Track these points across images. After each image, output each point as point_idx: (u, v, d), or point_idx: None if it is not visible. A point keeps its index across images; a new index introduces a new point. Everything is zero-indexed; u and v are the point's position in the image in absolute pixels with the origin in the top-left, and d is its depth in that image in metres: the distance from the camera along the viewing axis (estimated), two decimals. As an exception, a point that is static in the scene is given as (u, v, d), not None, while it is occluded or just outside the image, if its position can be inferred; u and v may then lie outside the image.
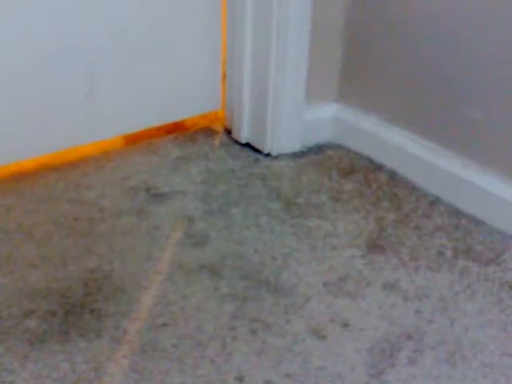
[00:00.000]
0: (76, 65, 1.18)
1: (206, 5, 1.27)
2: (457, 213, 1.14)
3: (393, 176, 1.22)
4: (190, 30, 1.28)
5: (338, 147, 1.32)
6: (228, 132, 1.36)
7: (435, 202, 1.17)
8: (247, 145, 1.33)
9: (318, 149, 1.32)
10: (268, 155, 1.30)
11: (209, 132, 1.37)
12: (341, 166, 1.26)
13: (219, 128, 1.38)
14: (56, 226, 1.08)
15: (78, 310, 0.93)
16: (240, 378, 0.84)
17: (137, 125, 1.30)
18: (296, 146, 1.31)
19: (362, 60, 1.27)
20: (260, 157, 1.29)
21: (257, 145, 1.31)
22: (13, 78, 1.12)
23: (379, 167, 1.25)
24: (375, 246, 1.06)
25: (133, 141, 1.32)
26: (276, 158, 1.29)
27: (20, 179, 1.19)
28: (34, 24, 1.12)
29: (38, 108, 1.16)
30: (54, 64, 1.15)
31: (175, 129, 1.37)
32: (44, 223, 1.09)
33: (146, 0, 1.21)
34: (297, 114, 1.28)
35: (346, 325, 0.92)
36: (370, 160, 1.27)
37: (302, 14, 1.20)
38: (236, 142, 1.34)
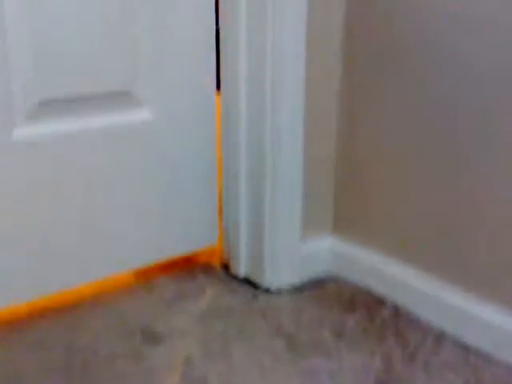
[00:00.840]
0: (72, 202, 1.18)
1: (202, 142, 1.31)
2: (464, 347, 1.10)
3: (396, 310, 1.20)
4: (187, 168, 1.30)
5: (337, 280, 1.30)
6: (226, 267, 1.35)
7: (441, 336, 1.13)
8: (245, 280, 1.31)
9: (318, 282, 1.30)
10: (267, 290, 1.27)
11: (206, 267, 1.36)
12: (342, 301, 1.23)
13: (217, 263, 1.37)
14: (48, 373, 1.03)
15: None
16: None
17: (133, 262, 1.28)
18: (295, 280, 1.29)
19: (355, 191, 1.28)
20: (259, 292, 1.27)
21: (255, 280, 1.29)
22: (4, 224, 1.11)
23: (381, 301, 1.23)
24: (384, 386, 1.01)
25: (129, 279, 1.30)
26: (275, 292, 1.27)
27: (12, 324, 1.14)
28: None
29: (30, 250, 1.15)
30: (45, 206, 1.16)
31: (172, 265, 1.36)
32: (35, 370, 1.03)
33: (144, 137, 1.24)
34: (294, 247, 1.28)
35: None
36: (370, 293, 1.25)
37: (295, 150, 1.23)
38: (234, 277, 1.32)
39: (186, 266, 1.36)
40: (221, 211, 1.35)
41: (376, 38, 1.18)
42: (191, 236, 1.34)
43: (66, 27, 1.09)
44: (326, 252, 1.33)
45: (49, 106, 1.11)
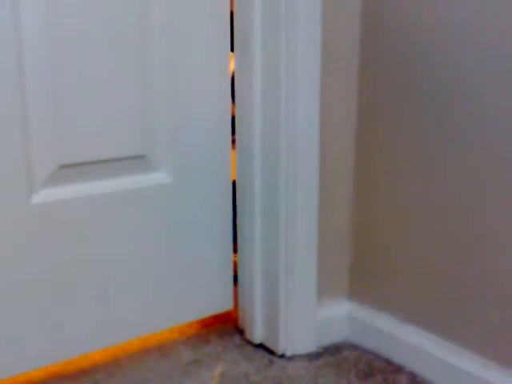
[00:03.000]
0: (90, 267, 1.19)
1: (217, 205, 1.32)
2: (484, 417, 1.08)
3: (413, 378, 1.18)
4: (202, 233, 1.31)
5: (354, 347, 1.29)
6: (241, 332, 1.34)
7: (460, 405, 1.11)
8: (261, 345, 1.30)
9: (334, 349, 1.29)
10: (282, 356, 1.26)
11: (221, 332, 1.35)
12: (359, 368, 1.22)
13: (232, 328, 1.36)
14: None
15: None
16: None
17: (148, 328, 1.28)
18: (311, 347, 1.28)
19: (371, 256, 1.28)
20: (274, 358, 1.26)
21: (270, 345, 1.29)
22: (20, 289, 1.12)
23: (399, 368, 1.21)
24: None
25: (144, 344, 1.30)
26: (291, 359, 1.26)
27: (27, 390, 1.15)
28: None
29: (46, 316, 1.15)
30: (63, 271, 1.16)
31: (187, 330, 1.36)
32: None
33: (161, 200, 1.25)
34: (309, 313, 1.27)
35: None
36: (388, 361, 1.23)
37: (310, 214, 1.24)
38: (249, 342, 1.31)
39: (202, 331, 1.36)
40: (236, 276, 1.35)
41: (391, 104, 1.20)
42: (206, 301, 1.34)
43: (84, 93, 1.12)
44: (342, 318, 1.32)
45: (67, 171, 1.14)
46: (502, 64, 1.02)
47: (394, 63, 1.18)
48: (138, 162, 1.22)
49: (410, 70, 1.15)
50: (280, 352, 1.27)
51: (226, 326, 1.37)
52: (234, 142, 1.31)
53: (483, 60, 1.04)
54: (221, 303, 1.37)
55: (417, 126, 1.16)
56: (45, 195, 1.12)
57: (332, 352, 1.28)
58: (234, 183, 1.33)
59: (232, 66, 1.29)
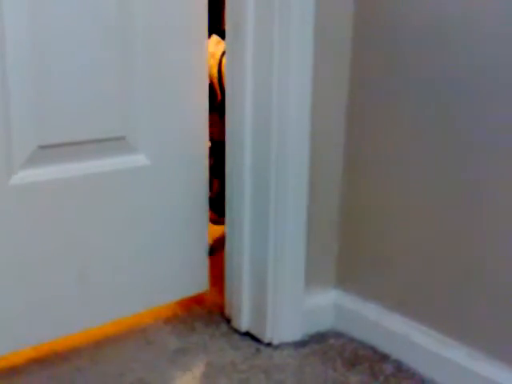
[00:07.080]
0: (66, 254, 1.18)
1: (194, 188, 1.32)
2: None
3: (399, 367, 1.18)
4: (177, 214, 1.31)
5: (340, 335, 1.29)
6: (228, 320, 1.33)
7: (444, 394, 1.11)
8: (247, 334, 1.29)
9: (320, 337, 1.28)
10: (269, 344, 1.26)
11: (208, 321, 1.34)
12: (345, 356, 1.22)
13: (218, 316, 1.36)
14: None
15: None
16: None
17: (126, 310, 1.28)
18: (297, 335, 1.28)
19: (359, 245, 1.28)
20: (261, 346, 1.25)
21: (257, 334, 1.28)
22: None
23: (384, 357, 1.21)
24: None
25: (128, 333, 1.29)
26: (277, 347, 1.25)
27: (7, 377, 1.13)
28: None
29: (23, 298, 1.14)
30: (42, 252, 1.15)
31: (173, 318, 1.35)
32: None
33: (138, 182, 1.25)
34: (296, 301, 1.27)
35: None
36: (374, 349, 1.23)
37: (299, 203, 1.23)
38: (236, 330, 1.30)
39: (188, 319, 1.35)
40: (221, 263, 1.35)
41: (382, 89, 1.20)
42: (182, 283, 1.35)
43: (64, 76, 1.11)
44: (328, 306, 1.31)
45: (47, 152, 1.13)
46: (499, 51, 1.01)
47: (387, 48, 1.17)
48: (117, 143, 1.21)
49: (403, 55, 1.14)
50: (267, 340, 1.27)
51: (212, 315, 1.37)
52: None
53: (478, 46, 1.03)
54: (196, 285, 1.37)
55: (407, 114, 1.15)
56: (23, 176, 1.11)
57: (318, 340, 1.28)
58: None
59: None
